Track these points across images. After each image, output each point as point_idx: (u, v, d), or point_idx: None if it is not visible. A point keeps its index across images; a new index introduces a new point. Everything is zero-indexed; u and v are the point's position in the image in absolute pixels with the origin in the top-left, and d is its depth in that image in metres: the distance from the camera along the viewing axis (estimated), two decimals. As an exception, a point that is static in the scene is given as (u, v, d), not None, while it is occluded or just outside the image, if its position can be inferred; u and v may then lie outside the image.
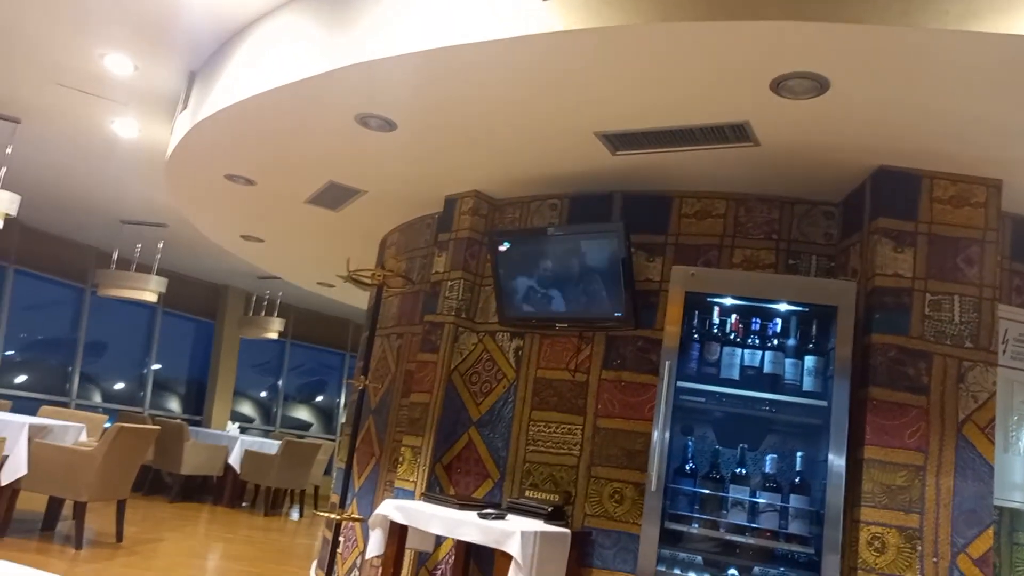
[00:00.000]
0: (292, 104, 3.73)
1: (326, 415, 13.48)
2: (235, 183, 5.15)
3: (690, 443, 3.36)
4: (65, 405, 9.16)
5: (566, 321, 4.03)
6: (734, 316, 3.31)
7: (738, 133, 3.27)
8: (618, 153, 3.68)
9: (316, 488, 9.82)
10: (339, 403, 13.32)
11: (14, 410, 6.63)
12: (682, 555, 3.23)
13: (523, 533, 3.11)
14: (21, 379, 9.57)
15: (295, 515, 9.07)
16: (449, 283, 4.45)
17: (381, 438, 4.93)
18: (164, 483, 8.80)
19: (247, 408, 12.44)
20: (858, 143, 3.22)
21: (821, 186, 3.67)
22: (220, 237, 7.20)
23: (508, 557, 3.12)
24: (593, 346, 4.02)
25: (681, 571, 3.14)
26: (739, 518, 3.08)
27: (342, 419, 12.83)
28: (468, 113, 3.53)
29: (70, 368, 9.84)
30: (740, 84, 2.88)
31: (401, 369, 4.94)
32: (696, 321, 3.35)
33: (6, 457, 5.00)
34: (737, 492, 3.12)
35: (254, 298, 11.29)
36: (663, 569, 3.07)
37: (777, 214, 3.83)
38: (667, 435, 3.13)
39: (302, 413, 13.29)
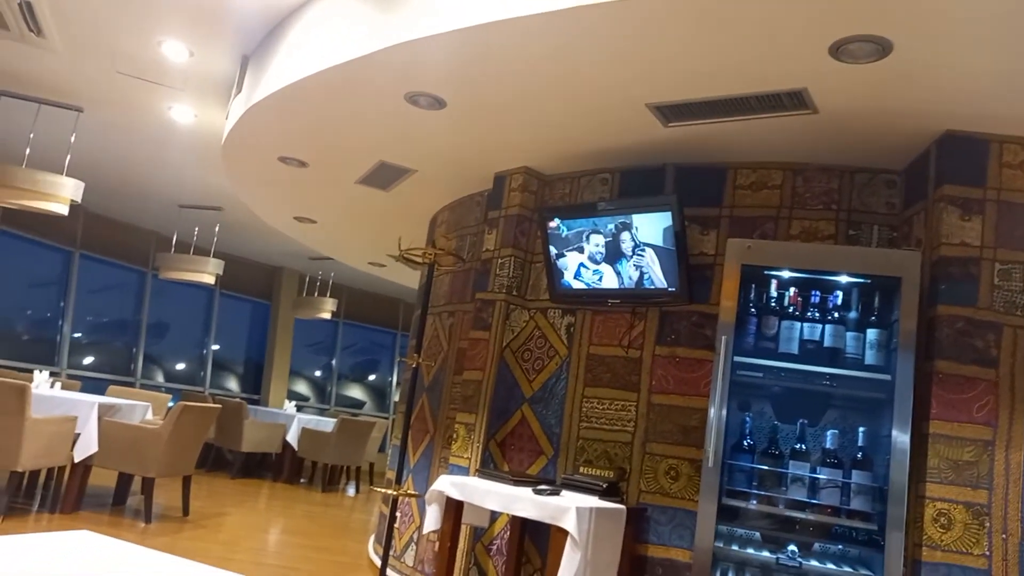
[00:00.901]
0: (342, 85, 3.76)
1: (379, 393, 13.71)
2: (288, 165, 5.23)
3: (748, 419, 3.31)
4: (130, 385, 9.51)
5: (618, 297, 3.99)
6: (792, 289, 3.24)
7: (795, 100, 3.18)
8: (670, 124, 3.62)
9: (371, 465, 10.01)
10: (391, 381, 13.52)
11: (83, 390, 6.92)
12: (740, 531, 3.20)
13: (578, 509, 3.11)
14: (89, 360, 9.96)
15: (351, 491, 9.27)
16: (499, 260, 4.45)
17: (435, 415, 4.99)
18: (226, 460, 9.08)
19: (302, 387, 12.74)
20: (922, 108, 3.09)
21: (883, 154, 3.55)
22: (274, 219, 7.34)
23: (563, 533, 3.13)
24: (646, 322, 3.99)
25: (739, 547, 3.11)
26: (799, 494, 3.03)
27: (395, 397, 13.03)
28: (517, 88, 3.50)
29: (134, 349, 10.20)
30: (797, 49, 2.79)
31: (453, 347, 4.98)
32: (753, 295, 3.28)
33: (78, 435, 5.22)
34: (797, 468, 3.07)
35: (307, 279, 11.51)
36: (721, 545, 3.04)
37: (836, 184, 3.72)
38: (724, 411, 3.09)
39: (355, 392, 13.54)
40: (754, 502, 3.10)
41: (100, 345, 10.30)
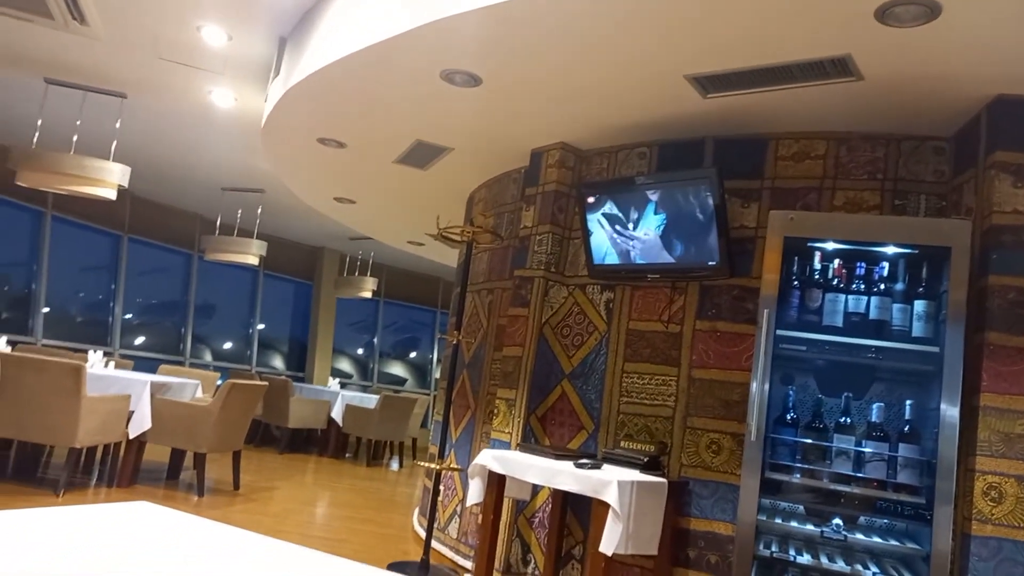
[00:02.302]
0: (378, 64, 3.77)
1: (420, 370, 13.87)
2: (327, 146, 5.28)
3: (791, 392, 3.28)
4: (180, 364, 9.78)
5: (658, 272, 3.97)
6: (837, 261, 3.18)
7: (839, 67, 3.10)
8: (709, 96, 3.56)
9: (414, 440, 10.17)
10: (431, 359, 13.67)
11: (135, 369, 7.14)
12: (783, 504, 3.18)
13: (620, 482, 3.13)
14: (140, 340, 10.27)
15: (395, 466, 9.43)
16: (537, 237, 4.45)
17: (476, 391, 5.04)
18: (273, 436, 9.31)
19: (345, 365, 12.96)
20: (972, 72, 2.99)
21: (930, 120, 3.45)
22: (314, 200, 7.44)
23: (605, 506, 3.16)
24: (686, 296, 3.96)
25: (783, 520, 3.10)
26: (844, 468, 3.00)
27: (436, 374, 13.18)
28: (553, 63, 3.47)
29: (183, 329, 10.48)
30: (842, 14, 2.72)
31: (493, 324, 5.01)
32: (796, 267, 3.23)
33: (132, 413, 5.40)
34: (842, 441, 3.03)
35: (347, 259, 11.66)
36: (764, 519, 3.04)
37: (882, 152, 3.63)
38: (766, 385, 3.07)
39: (397, 369, 13.72)
40: (798, 476, 3.08)
41: (150, 326, 10.60)
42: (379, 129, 4.83)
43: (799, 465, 3.09)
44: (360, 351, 13.24)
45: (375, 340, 12.98)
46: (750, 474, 3.04)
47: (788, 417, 3.20)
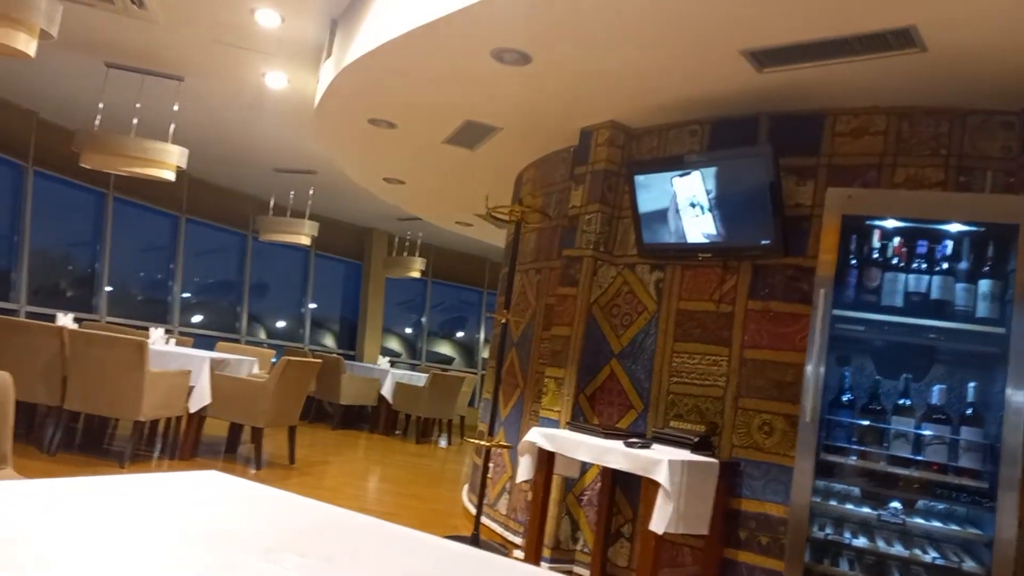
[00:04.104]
0: (429, 44, 3.79)
1: (467, 350, 14.00)
2: (378, 127, 5.33)
3: (847, 374, 3.22)
4: (236, 341, 10.05)
5: (709, 251, 3.92)
6: (897, 239, 3.09)
7: (902, 39, 2.99)
8: (765, 71, 3.48)
9: (462, 418, 10.29)
10: (478, 338, 13.77)
11: (194, 347, 7.37)
12: (838, 487, 3.14)
13: (670, 462, 3.13)
14: (197, 319, 10.58)
15: (443, 443, 9.57)
16: (587, 216, 4.43)
17: (524, 370, 5.07)
18: (326, 412, 9.52)
19: (394, 344, 13.15)
20: (1047, 41, 2.86)
21: (999, 93, 3.31)
22: (365, 181, 7.53)
23: (655, 485, 3.16)
24: (739, 276, 3.91)
25: (838, 503, 3.06)
26: (902, 451, 2.94)
27: (483, 353, 13.28)
28: (604, 40, 3.44)
29: (238, 308, 10.76)
30: (907, -16, 2.63)
31: (541, 303, 5.02)
32: (853, 246, 3.16)
33: (192, 388, 5.58)
34: (900, 424, 2.97)
35: (396, 239, 11.79)
36: (818, 500, 3.00)
37: (946, 127, 3.50)
38: (822, 366, 3.01)
39: (444, 348, 13.88)
40: (853, 458, 3.03)
41: (207, 304, 10.92)
42: (429, 109, 4.86)
43: (855, 447, 3.04)
44: (408, 330, 13.42)
45: (423, 319, 13.13)
46: (804, 456, 3.00)
47: (844, 399, 3.14)
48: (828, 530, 3.02)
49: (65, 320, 5.81)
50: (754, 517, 3.61)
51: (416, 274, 10.80)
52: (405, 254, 11.48)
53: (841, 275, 3.12)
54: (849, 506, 3.05)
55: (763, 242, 3.66)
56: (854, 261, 3.15)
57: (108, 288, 9.05)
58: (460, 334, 14.15)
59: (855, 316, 3.08)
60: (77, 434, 5.73)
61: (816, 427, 2.99)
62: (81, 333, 5.10)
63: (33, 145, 7.91)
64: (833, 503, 3.05)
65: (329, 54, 4.73)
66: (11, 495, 1.16)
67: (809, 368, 3.04)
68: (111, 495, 1.27)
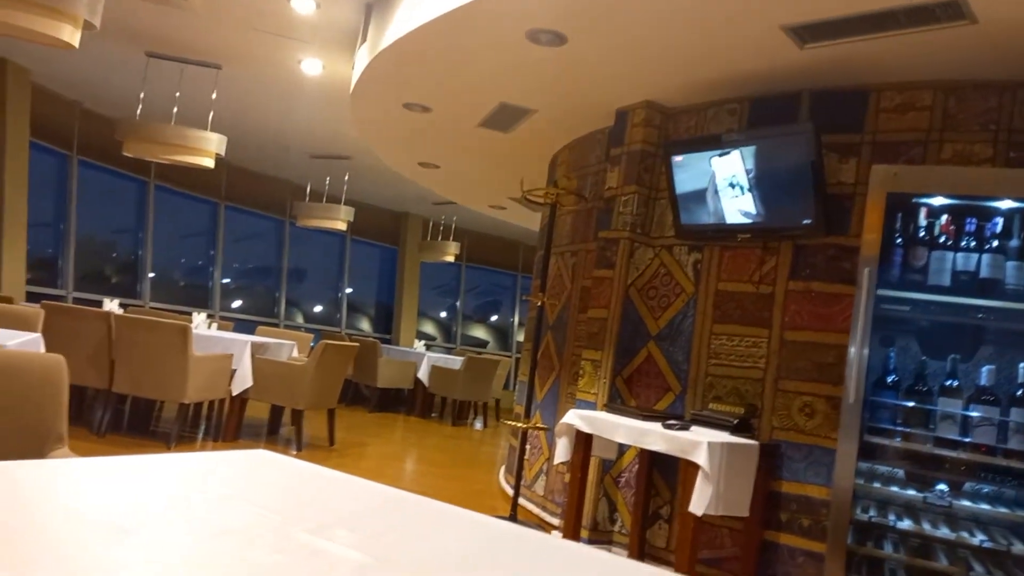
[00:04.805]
0: (464, 26, 3.78)
1: (501, 333, 14.05)
2: (412, 111, 5.35)
3: (891, 354, 3.16)
4: (275, 326, 10.22)
5: (749, 231, 3.87)
6: (945, 217, 3.02)
7: (950, 11, 2.90)
8: (807, 46, 3.41)
9: (497, 401, 10.35)
10: (512, 322, 13.80)
11: (234, 331, 7.51)
12: (882, 469, 3.09)
13: (710, 443, 3.11)
14: (237, 304, 10.78)
15: (478, 425, 9.64)
16: (623, 198, 4.40)
17: (560, 353, 5.08)
18: (363, 395, 9.65)
19: (428, 327, 13.25)
20: (1105, 9, 2.75)
21: (1053, 65, 3.20)
22: (399, 165, 7.56)
23: (694, 467, 3.15)
24: (779, 256, 3.85)
25: (882, 485, 3.02)
26: (949, 432, 2.88)
27: (518, 337, 13.31)
28: (641, 17, 3.39)
29: (277, 293, 10.93)
30: (956, -48, 2.54)
31: (577, 286, 5.01)
32: (899, 225, 3.09)
33: (234, 371, 5.70)
34: (947, 405, 2.91)
35: (431, 224, 11.84)
36: (861, 483, 2.96)
37: (996, 101, 3.39)
38: (866, 346, 2.96)
39: (479, 332, 13.94)
40: (898, 440, 2.98)
41: (246, 289, 11.11)
42: (463, 92, 4.86)
43: (900, 429, 2.99)
44: (443, 314, 13.51)
45: (458, 303, 13.19)
46: (848, 437, 2.96)
47: (888, 380, 3.09)
48: (871, 512, 2.98)
49: (111, 305, 5.96)
50: (795, 499, 3.58)
51: (450, 258, 10.85)
52: (439, 238, 11.53)
53: (886, 254, 3.06)
54: (893, 488, 3.01)
55: (804, 221, 3.60)
56: (899, 240, 3.09)
57: (151, 274, 9.26)
58: (494, 318, 14.20)
59: (900, 296, 3.02)
60: (125, 416, 5.89)
61: (860, 409, 2.95)
62: (127, 318, 5.23)
63: (77, 135, 8.10)
64: (877, 485, 3.01)
65: (364, 39, 4.75)
66: (73, 471, 1.21)
67: (853, 349, 2.99)
68: (167, 472, 1.30)
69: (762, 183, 3.73)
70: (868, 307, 2.97)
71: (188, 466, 1.40)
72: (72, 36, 3.83)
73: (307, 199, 9.54)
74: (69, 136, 8.06)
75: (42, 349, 3.42)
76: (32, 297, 7.09)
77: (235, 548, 0.96)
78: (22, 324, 4.01)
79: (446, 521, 1.27)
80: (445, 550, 1.11)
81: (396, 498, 1.35)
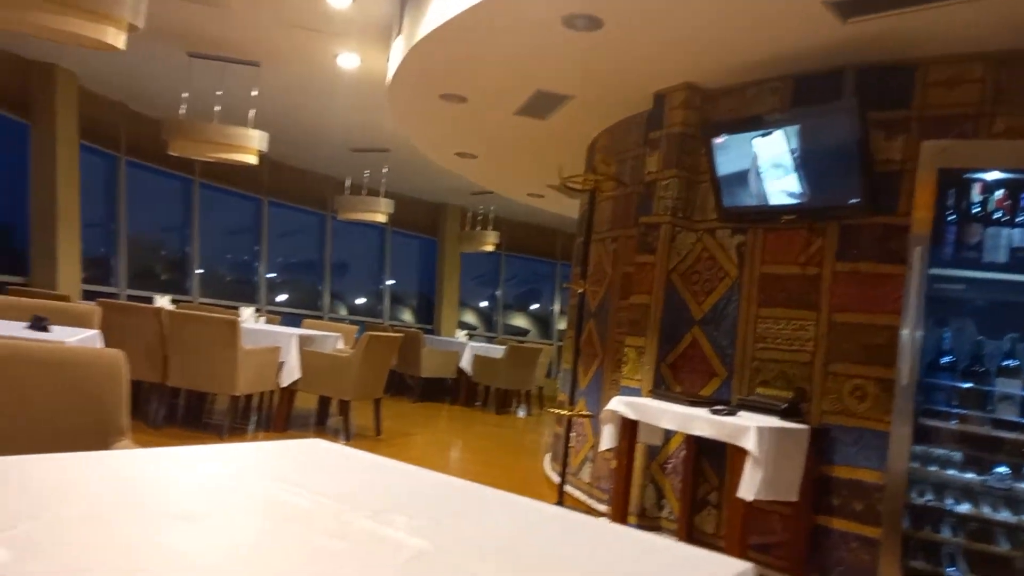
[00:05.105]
0: (500, 14, 3.77)
1: (541, 321, 14.06)
2: (449, 102, 5.36)
3: (945, 335, 3.08)
4: (319, 319, 10.38)
5: (793, 212, 3.80)
6: (1000, 192, 2.93)
7: (1003, -22, 2.80)
8: (850, 20, 3.32)
9: (540, 389, 10.37)
10: (552, 310, 13.80)
11: (282, 324, 7.65)
12: (938, 452, 3.03)
13: (759, 428, 3.08)
14: (282, 297, 10.97)
15: (522, 413, 9.68)
16: (663, 182, 4.36)
17: (603, 340, 5.06)
18: (407, 385, 9.76)
19: (469, 317, 13.32)
20: None
21: (1113, 30, 3.07)
22: (437, 156, 7.59)
23: (742, 452, 3.12)
24: (825, 237, 3.78)
25: (938, 468, 2.95)
26: (1008, 413, 2.81)
27: (558, 325, 13.30)
28: (679, -1, 3.34)
29: (320, 286, 11.10)
30: (1009, -83, 2.45)
31: (618, 272, 4.98)
32: (951, 201, 3.00)
33: (282, 364, 5.81)
34: (1006, 386, 2.83)
35: (469, 214, 11.88)
36: (917, 466, 2.90)
37: (1052, 71, 3.27)
38: (918, 327, 2.90)
39: (519, 320, 13.97)
40: (954, 422, 2.92)
41: (291, 283, 11.30)
42: (499, 81, 4.85)
43: (956, 411, 2.92)
44: (484, 303, 13.56)
45: (498, 293, 13.24)
46: (901, 420, 2.90)
47: (943, 361, 3.01)
48: (928, 496, 2.93)
49: (162, 302, 6.12)
50: (846, 484, 3.52)
51: (489, 248, 10.88)
52: (478, 228, 11.56)
53: (937, 232, 2.98)
54: (950, 471, 2.94)
55: (851, 201, 3.52)
56: (952, 217, 3.01)
57: (199, 270, 9.47)
58: (534, 306, 14.21)
59: (954, 275, 2.94)
60: (179, 409, 6.06)
61: (913, 391, 2.89)
62: (178, 314, 5.37)
63: (124, 136, 8.31)
64: (933, 468, 2.95)
65: (399, 31, 4.77)
66: (136, 462, 1.25)
67: (905, 330, 2.93)
68: (227, 461, 1.34)
69: (807, 163, 3.66)
70: (920, 287, 2.91)
71: (246, 455, 1.44)
72: (117, 38, 3.92)
73: (347, 192, 9.65)
74: (116, 137, 8.27)
75: (101, 345, 3.53)
76: (87, 295, 7.32)
77: (297, 534, 0.98)
78: (80, 321, 4.15)
79: (499, 507, 1.29)
80: (499, 535, 1.12)
81: (449, 484, 1.37)
